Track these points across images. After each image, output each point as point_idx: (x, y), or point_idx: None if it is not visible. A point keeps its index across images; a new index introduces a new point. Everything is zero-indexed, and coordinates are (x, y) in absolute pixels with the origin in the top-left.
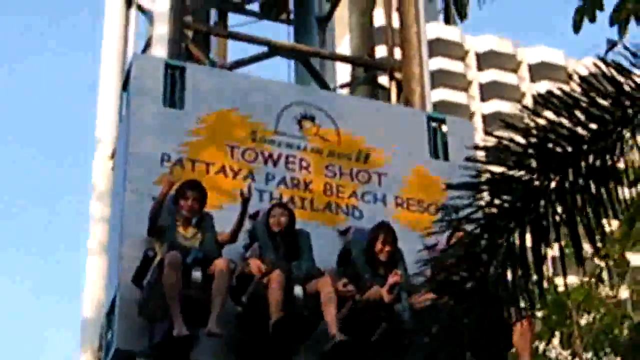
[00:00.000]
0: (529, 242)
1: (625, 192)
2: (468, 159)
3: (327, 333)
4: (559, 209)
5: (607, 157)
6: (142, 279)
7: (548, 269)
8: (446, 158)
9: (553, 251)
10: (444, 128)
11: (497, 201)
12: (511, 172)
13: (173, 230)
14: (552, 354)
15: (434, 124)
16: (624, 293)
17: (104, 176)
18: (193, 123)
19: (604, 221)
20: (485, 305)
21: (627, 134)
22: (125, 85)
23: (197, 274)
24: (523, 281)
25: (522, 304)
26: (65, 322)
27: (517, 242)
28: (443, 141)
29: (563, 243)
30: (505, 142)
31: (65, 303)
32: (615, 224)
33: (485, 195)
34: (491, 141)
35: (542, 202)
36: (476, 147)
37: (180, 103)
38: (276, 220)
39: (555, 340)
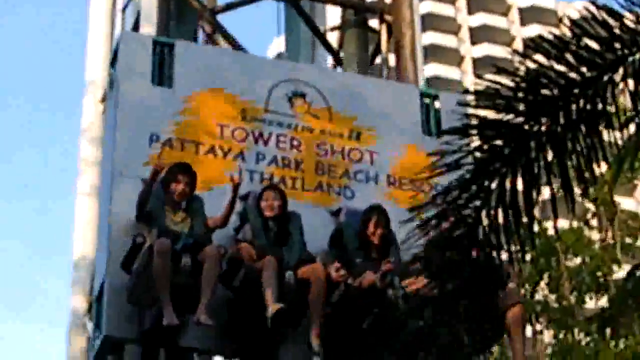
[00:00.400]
0: (519, 186)
1: (616, 136)
2: (459, 103)
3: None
4: (550, 153)
5: (598, 100)
6: (131, 265)
7: (538, 213)
8: (439, 135)
9: (543, 195)
10: (437, 104)
11: (487, 145)
12: (501, 116)
13: (162, 215)
14: (539, 297)
15: (426, 100)
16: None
17: (95, 119)
18: (182, 102)
19: (594, 165)
20: (475, 282)
21: (618, 78)
22: (113, 63)
23: (186, 261)
24: (514, 225)
25: (513, 248)
26: (57, 268)
27: (508, 186)
28: (436, 117)
29: (554, 187)
30: (495, 85)
31: (58, 249)
32: (604, 168)
33: (476, 140)
34: (481, 85)
35: (533, 146)
36: (466, 91)
37: (169, 81)
38: (269, 205)
39: (543, 283)
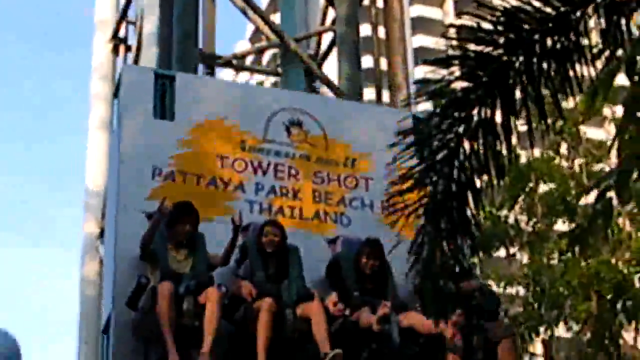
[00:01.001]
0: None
1: (591, 71)
2: (443, 35)
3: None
4: (526, 82)
5: (571, 34)
6: (136, 303)
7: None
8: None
9: (518, 127)
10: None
11: (468, 75)
12: (481, 48)
13: (165, 255)
14: (511, 220)
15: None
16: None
17: (104, 59)
18: (183, 135)
19: (563, 97)
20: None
21: (591, 12)
22: (116, 95)
23: (189, 303)
24: (492, 149)
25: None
26: (70, 200)
27: (488, 115)
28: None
29: (531, 110)
30: (476, 20)
31: (70, 182)
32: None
33: (457, 71)
34: (464, 18)
35: (512, 76)
36: (450, 25)
37: (171, 114)
38: (268, 240)
39: (517, 207)
